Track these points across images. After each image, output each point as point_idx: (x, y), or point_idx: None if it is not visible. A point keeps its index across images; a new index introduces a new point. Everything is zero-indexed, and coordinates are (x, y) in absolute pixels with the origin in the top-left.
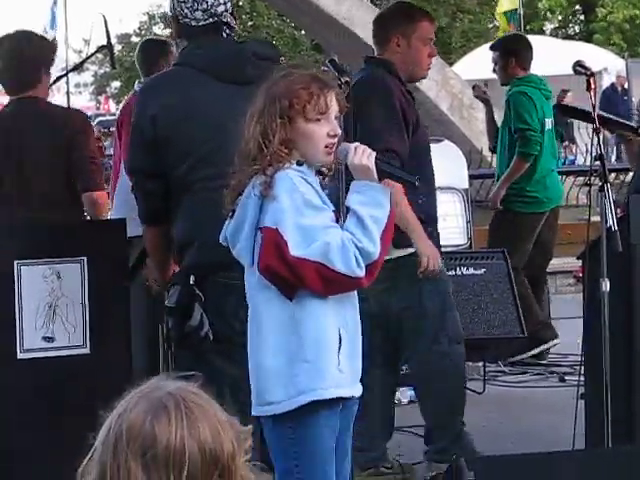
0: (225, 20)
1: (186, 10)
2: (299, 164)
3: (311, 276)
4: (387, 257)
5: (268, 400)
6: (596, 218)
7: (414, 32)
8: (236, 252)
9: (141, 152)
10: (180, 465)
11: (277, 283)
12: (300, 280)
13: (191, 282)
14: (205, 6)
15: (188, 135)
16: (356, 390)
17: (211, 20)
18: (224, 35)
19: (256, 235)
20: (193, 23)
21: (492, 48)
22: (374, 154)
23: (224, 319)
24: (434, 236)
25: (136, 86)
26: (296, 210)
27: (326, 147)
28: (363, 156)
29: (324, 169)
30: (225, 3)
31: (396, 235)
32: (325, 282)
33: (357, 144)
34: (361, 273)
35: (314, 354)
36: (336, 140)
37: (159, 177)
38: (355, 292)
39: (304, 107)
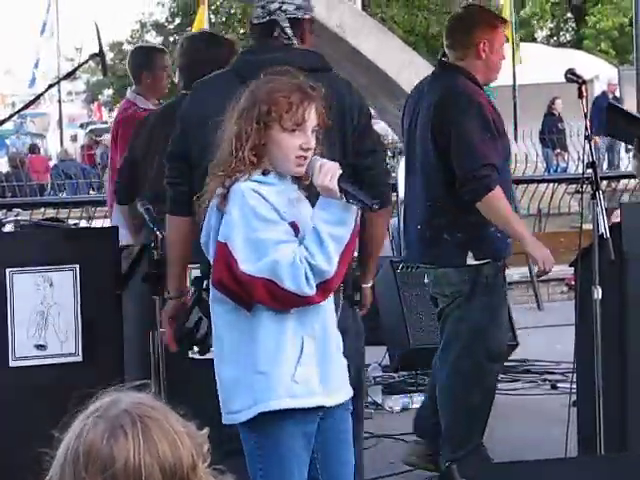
0: (277, 19)
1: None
2: (264, 173)
3: (260, 292)
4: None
5: (230, 409)
6: (588, 226)
7: (496, 37)
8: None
9: (179, 141)
10: None
11: (231, 297)
12: (249, 296)
13: (203, 286)
14: (263, 2)
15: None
16: (330, 399)
17: (267, 18)
18: (275, 35)
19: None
20: (255, 21)
21: None
22: (337, 174)
23: None
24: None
25: (128, 94)
26: (246, 224)
27: (297, 158)
28: (326, 177)
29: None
30: (282, 2)
31: (476, 245)
32: (274, 298)
33: (324, 162)
34: (310, 292)
35: (267, 365)
36: (309, 153)
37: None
38: (330, 298)
39: (281, 115)
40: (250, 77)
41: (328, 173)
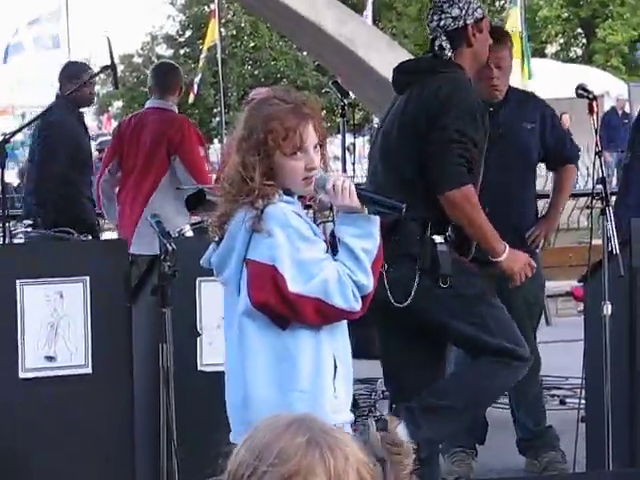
0: (436, 35)
1: None
2: (287, 194)
3: (310, 312)
4: None
5: None
6: (598, 241)
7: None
8: (222, 279)
9: None
10: None
11: (271, 316)
12: (298, 315)
13: None
14: (429, 20)
15: None
16: (351, 415)
17: (433, 35)
18: (436, 48)
19: (242, 267)
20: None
21: None
22: (353, 187)
23: None
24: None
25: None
26: (291, 245)
27: (304, 179)
28: (345, 197)
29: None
30: (442, 18)
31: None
32: (322, 317)
33: (334, 178)
34: (358, 307)
35: (310, 383)
36: (313, 173)
37: None
38: None
39: (279, 143)
40: (398, 81)
41: (345, 191)
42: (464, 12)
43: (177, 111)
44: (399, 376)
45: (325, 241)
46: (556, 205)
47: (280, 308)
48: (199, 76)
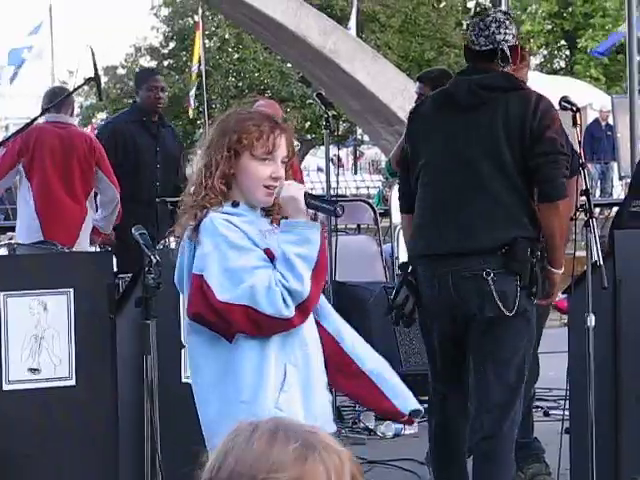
0: (502, 48)
1: (472, 36)
2: (234, 205)
3: (240, 320)
4: None
5: (215, 444)
6: (582, 253)
7: None
8: (184, 299)
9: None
10: None
11: (211, 328)
12: (229, 324)
13: (409, 270)
14: (487, 33)
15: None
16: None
17: (491, 47)
18: (498, 63)
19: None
20: (476, 48)
21: (420, 80)
22: (303, 190)
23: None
24: None
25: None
26: (219, 254)
27: (266, 187)
28: (290, 188)
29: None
30: (506, 33)
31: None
32: (254, 324)
33: (290, 182)
34: (289, 314)
35: (250, 394)
36: (277, 183)
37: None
38: (311, 323)
39: (252, 143)
40: (455, 92)
41: (295, 188)
42: (515, 33)
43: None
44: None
45: (265, 250)
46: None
47: (211, 318)
48: (193, 89)
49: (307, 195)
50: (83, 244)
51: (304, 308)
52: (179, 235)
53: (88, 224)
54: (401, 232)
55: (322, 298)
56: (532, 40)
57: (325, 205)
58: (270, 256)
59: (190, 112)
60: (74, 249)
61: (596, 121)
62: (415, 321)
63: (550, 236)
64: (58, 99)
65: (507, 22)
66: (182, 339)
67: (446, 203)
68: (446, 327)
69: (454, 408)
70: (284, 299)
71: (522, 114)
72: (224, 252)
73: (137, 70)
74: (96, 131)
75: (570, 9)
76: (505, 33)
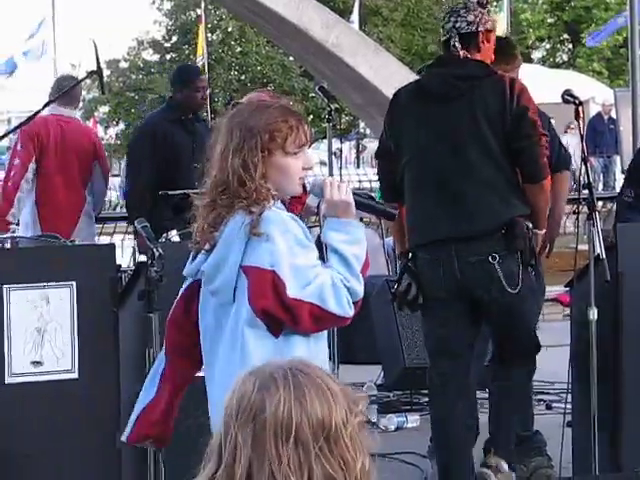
0: (451, 36)
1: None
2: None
3: (305, 316)
4: None
5: None
6: (584, 246)
7: None
8: (214, 287)
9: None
10: (288, 432)
11: (269, 322)
12: (295, 320)
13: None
14: (443, 23)
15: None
16: None
17: (446, 36)
18: (450, 47)
19: (238, 274)
20: (441, 39)
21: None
22: (350, 188)
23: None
24: None
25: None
26: (289, 250)
27: (300, 179)
28: (341, 192)
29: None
30: (457, 21)
31: None
32: (317, 322)
33: (330, 179)
34: (351, 312)
35: None
36: (308, 172)
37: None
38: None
39: (285, 140)
40: (431, 85)
41: (342, 188)
42: (478, 19)
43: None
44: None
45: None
46: (555, 213)
47: (279, 314)
48: None
49: (354, 195)
50: (83, 233)
51: (357, 305)
52: (208, 230)
53: (88, 213)
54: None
55: None
56: (531, 30)
57: (379, 208)
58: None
59: None
60: (73, 237)
61: (599, 115)
62: (419, 306)
63: (537, 211)
64: (63, 91)
65: (462, 10)
66: None
67: (440, 192)
68: (450, 309)
69: (455, 389)
70: (348, 299)
71: (500, 99)
72: (293, 249)
73: (179, 67)
74: (136, 131)
75: (572, 3)
76: (457, 21)
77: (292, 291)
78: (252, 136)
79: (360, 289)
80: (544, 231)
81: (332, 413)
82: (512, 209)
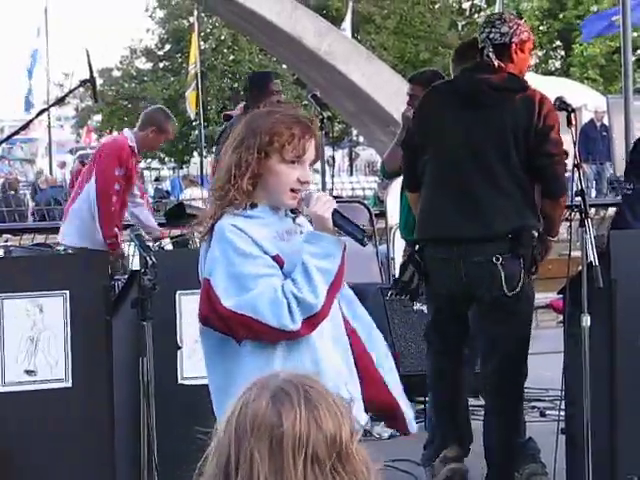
0: (484, 46)
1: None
2: (252, 207)
3: (240, 329)
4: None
5: None
6: (577, 253)
7: None
8: None
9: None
10: (305, 448)
11: (219, 331)
12: (232, 331)
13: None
14: (480, 31)
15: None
16: None
17: (482, 44)
18: (484, 57)
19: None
20: (479, 45)
21: (411, 81)
22: (334, 206)
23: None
24: None
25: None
26: (226, 259)
27: (292, 191)
28: (323, 207)
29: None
30: (491, 32)
31: None
32: (255, 334)
33: (320, 194)
34: (293, 326)
35: None
36: (304, 187)
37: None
38: (323, 332)
39: (283, 146)
40: (465, 89)
41: (325, 204)
42: (512, 30)
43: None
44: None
45: (274, 257)
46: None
47: (216, 323)
48: (189, 90)
49: (336, 212)
50: (67, 239)
51: (314, 321)
52: (202, 232)
53: (72, 217)
54: (397, 233)
55: (353, 296)
56: None
57: (352, 230)
58: (280, 263)
59: (192, 112)
60: (58, 240)
61: (591, 122)
62: (419, 295)
63: (552, 223)
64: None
65: (497, 22)
66: (178, 340)
67: (457, 193)
68: (451, 304)
69: (451, 361)
70: (290, 310)
71: (528, 115)
72: (230, 257)
73: (252, 74)
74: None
75: (562, 14)
76: (491, 32)
77: (226, 301)
78: (253, 136)
79: (316, 302)
80: (556, 237)
81: (342, 429)
82: (523, 218)
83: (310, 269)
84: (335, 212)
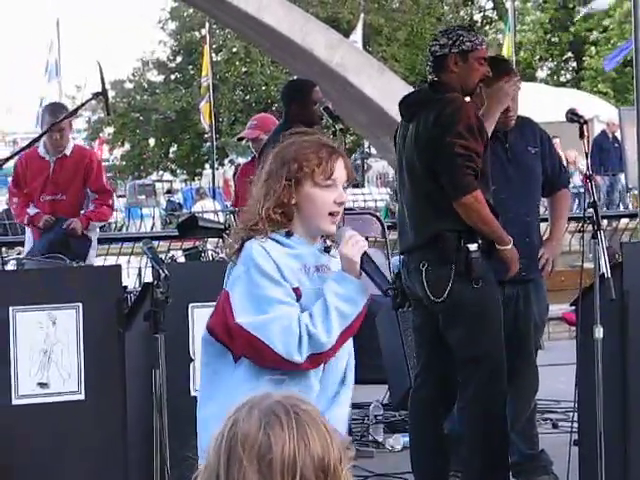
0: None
1: None
2: (287, 235)
3: (243, 344)
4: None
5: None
6: (589, 265)
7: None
8: None
9: None
10: (293, 472)
11: (221, 343)
12: (235, 347)
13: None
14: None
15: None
16: None
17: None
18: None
19: None
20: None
21: None
22: (364, 249)
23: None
24: None
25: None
26: (248, 277)
27: (330, 215)
28: (353, 248)
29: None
30: (432, 45)
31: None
32: (258, 355)
33: (353, 233)
34: (299, 359)
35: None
36: (341, 208)
37: None
38: (310, 380)
39: (313, 171)
40: (405, 112)
41: (356, 245)
42: (450, 42)
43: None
44: (433, 365)
45: (294, 289)
46: (558, 230)
47: (222, 336)
48: (203, 101)
49: (365, 256)
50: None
51: (318, 359)
52: (229, 255)
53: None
54: None
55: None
56: (533, 50)
57: (377, 279)
58: (298, 295)
59: (206, 124)
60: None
61: (604, 133)
62: (405, 306)
63: (474, 226)
64: (64, 115)
65: (439, 35)
66: (191, 352)
67: (401, 206)
68: (416, 311)
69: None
70: (300, 343)
71: (427, 125)
72: (253, 278)
73: (292, 81)
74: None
75: (573, 28)
76: (432, 45)
77: (239, 318)
78: (282, 165)
79: (326, 341)
80: (508, 246)
81: (330, 452)
82: (443, 223)
83: (330, 308)
84: (364, 255)
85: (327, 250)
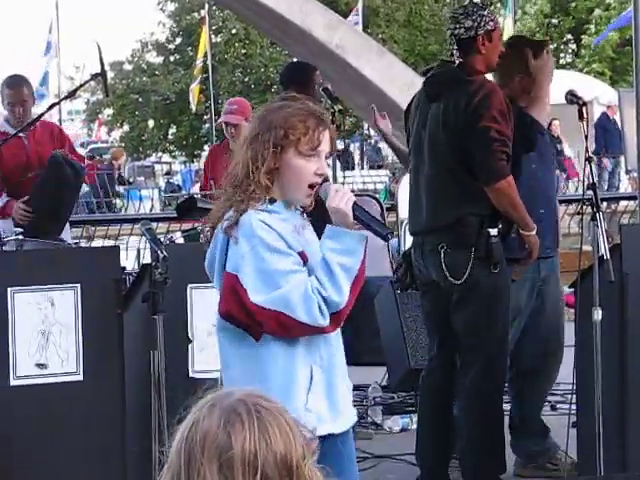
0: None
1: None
2: (271, 202)
3: (271, 324)
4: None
5: None
6: (588, 247)
7: None
8: (214, 286)
9: None
10: (255, 469)
11: (240, 327)
12: (260, 326)
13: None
14: (448, 27)
15: None
16: (337, 426)
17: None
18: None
19: (222, 276)
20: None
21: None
22: (353, 200)
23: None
24: None
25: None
26: (255, 255)
27: (310, 186)
28: (342, 200)
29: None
30: (455, 27)
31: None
32: (285, 329)
33: (339, 186)
34: (324, 322)
35: (281, 396)
36: (321, 180)
37: None
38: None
39: (298, 139)
40: (430, 91)
41: (344, 197)
42: (476, 24)
43: None
44: (445, 350)
45: (300, 253)
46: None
47: (243, 319)
48: (194, 83)
49: (356, 206)
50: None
51: (339, 317)
52: (213, 224)
53: None
54: (407, 227)
55: None
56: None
57: (374, 225)
58: (304, 259)
59: (194, 106)
60: None
61: (605, 115)
62: (412, 288)
63: (504, 212)
64: (24, 87)
65: (460, 17)
66: (188, 334)
67: (416, 186)
68: (427, 295)
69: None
70: (320, 307)
71: (457, 108)
72: (260, 254)
73: (292, 64)
74: None
75: (574, 4)
76: (455, 28)
77: (255, 297)
78: (268, 130)
79: (340, 299)
80: (533, 232)
81: (292, 449)
82: (466, 206)
83: (333, 267)
84: (355, 205)
85: (302, 211)
